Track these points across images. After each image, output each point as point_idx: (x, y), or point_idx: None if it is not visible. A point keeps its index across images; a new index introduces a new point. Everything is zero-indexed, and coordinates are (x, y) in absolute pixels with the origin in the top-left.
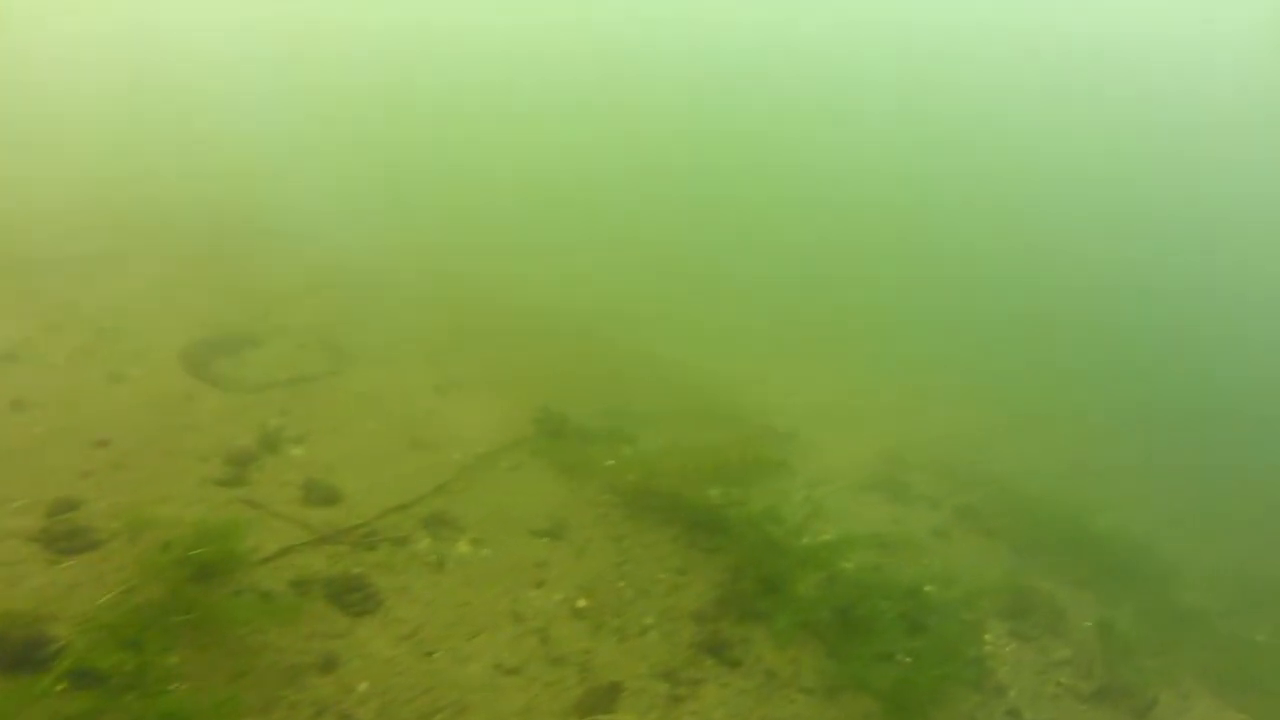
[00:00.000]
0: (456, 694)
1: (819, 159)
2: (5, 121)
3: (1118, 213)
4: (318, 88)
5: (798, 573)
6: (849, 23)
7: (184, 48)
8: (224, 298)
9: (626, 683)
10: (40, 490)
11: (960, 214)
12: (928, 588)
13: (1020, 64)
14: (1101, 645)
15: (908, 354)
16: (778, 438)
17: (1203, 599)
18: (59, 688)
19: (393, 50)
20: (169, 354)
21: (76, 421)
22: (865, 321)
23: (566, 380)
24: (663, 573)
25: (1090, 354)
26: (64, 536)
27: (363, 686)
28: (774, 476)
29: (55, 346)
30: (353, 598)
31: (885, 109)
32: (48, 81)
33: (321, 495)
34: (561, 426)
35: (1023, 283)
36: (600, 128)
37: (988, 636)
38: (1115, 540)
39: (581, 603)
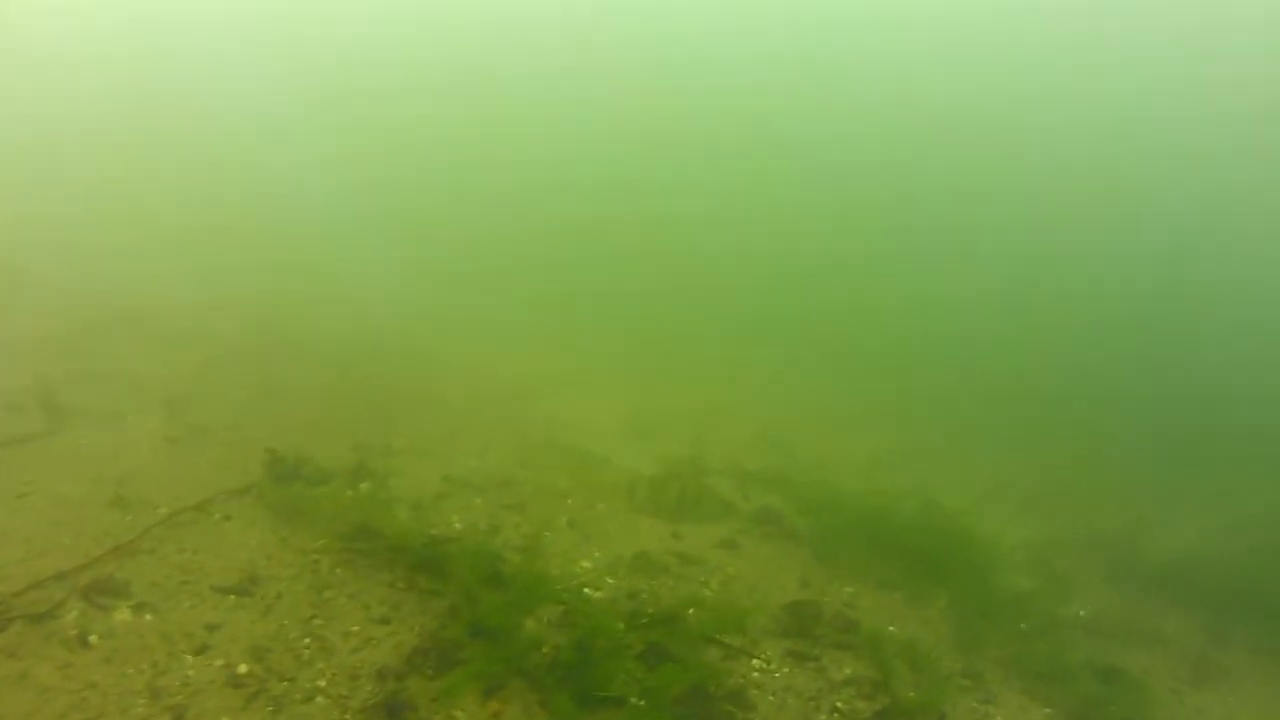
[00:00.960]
0: None
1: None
2: None
3: (903, 199)
4: None
5: (528, 610)
6: None
7: None
8: None
9: None
10: None
11: (750, 214)
12: (691, 611)
13: None
14: (897, 655)
15: (712, 359)
16: (559, 453)
17: (1020, 580)
18: None
19: None
20: None
21: None
22: (666, 328)
23: (327, 413)
24: (361, 624)
25: (901, 342)
26: None
27: None
28: (542, 499)
29: None
30: None
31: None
32: None
33: None
34: (295, 468)
35: (823, 279)
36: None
37: (756, 662)
38: (928, 529)
39: (243, 668)
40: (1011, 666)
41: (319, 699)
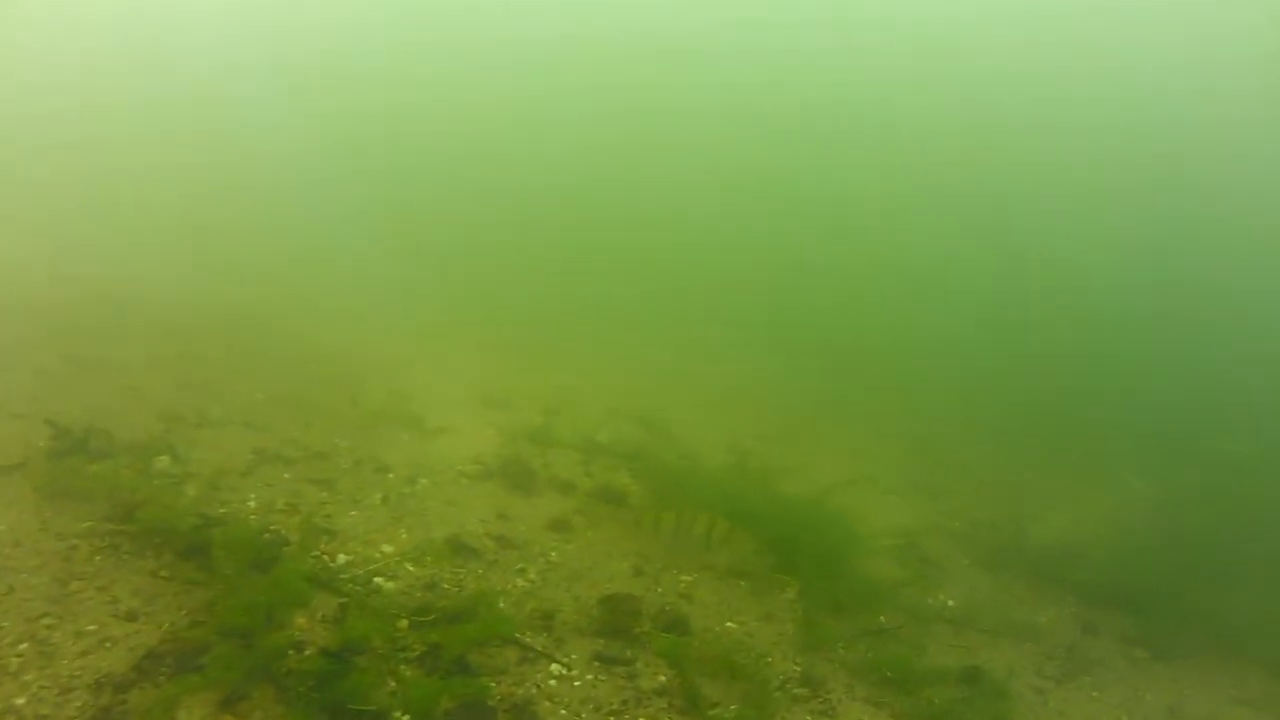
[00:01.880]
0: None
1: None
2: None
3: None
4: None
5: (302, 603)
6: None
7: None
8: None
9: None
10: None
11: (628, 183)
12: (499, 605)
13: None
14: (722, 659)
15: (580, 333)
16: (392, 425)
17: (886, 568)
18: None
19: None
20: None
21: None
22: (535, 299)
23: (144, 384)
24: (101, 622)
25: (781, 319)
26: None
27: None
28: (358, 474)
29: None
30: None
31: None
32: None
33: None
34: (81, 442)
35: (702, 253)
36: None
37: (556, 667)
38: (787, 512)
39: None
40: (859, 670)
41: None
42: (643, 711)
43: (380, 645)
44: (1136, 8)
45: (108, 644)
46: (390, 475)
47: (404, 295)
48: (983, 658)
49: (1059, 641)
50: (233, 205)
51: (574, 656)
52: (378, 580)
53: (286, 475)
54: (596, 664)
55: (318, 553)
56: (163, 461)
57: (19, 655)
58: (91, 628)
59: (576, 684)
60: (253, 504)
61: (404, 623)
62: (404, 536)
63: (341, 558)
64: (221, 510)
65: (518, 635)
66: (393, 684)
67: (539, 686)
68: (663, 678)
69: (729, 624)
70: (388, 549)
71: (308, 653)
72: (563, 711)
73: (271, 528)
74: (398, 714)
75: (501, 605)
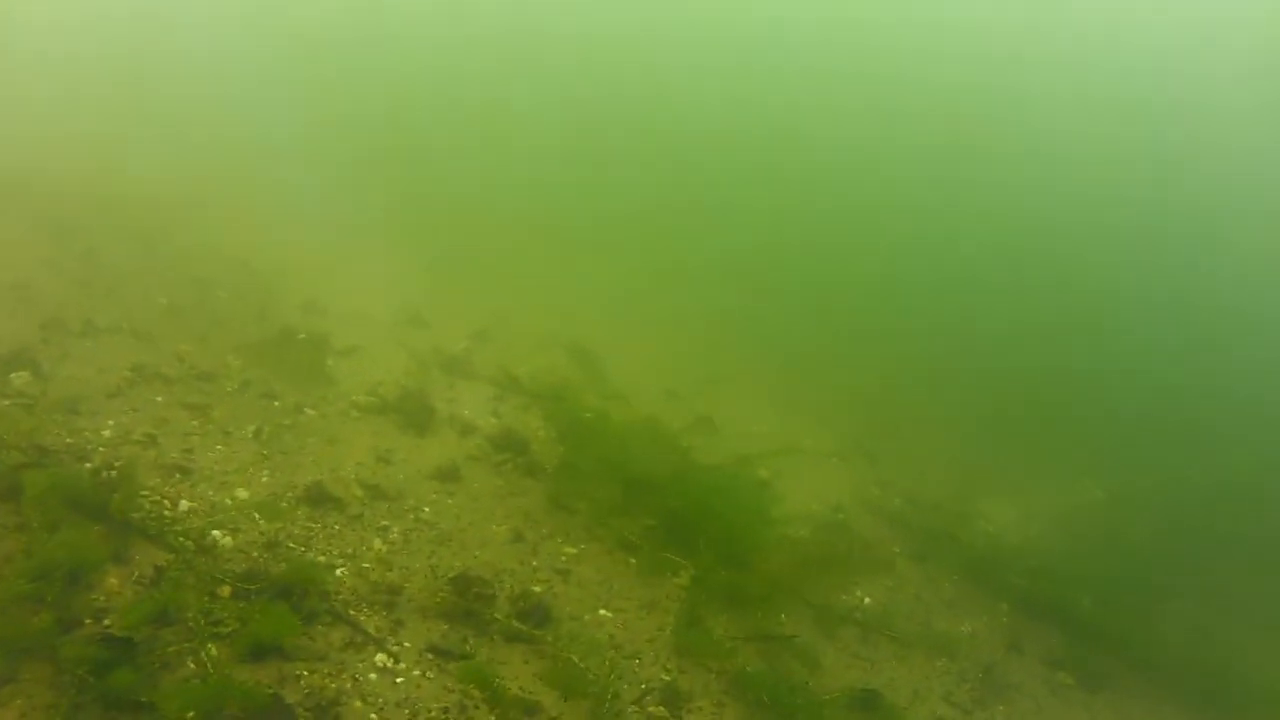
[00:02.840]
0: None
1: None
2: None
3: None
4: None
5: (120, 560)
6: None
7: None
8: None
9: None
10: None
11: (585, 101)
12: (339, 572)
13: None
14: (574, 666)
15: (526, 253)
16: (294, 345)
17: (801, 553)
18: None
19: None
20: None
21: None
22: (482, 216)
23: (27, 283)
24: None
25: (742, 263)
26: None
27: None
28: (241, 400)
29: None
30: None
31: None
32: None
33: None
34: None
35: (663, 179)
36: None
37: (382, 657)
38: (702, 479)
39: None
40: (736, 686)
41: None
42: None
43: (193, 618)
44: None
45: None
46: (276, 403)
47: (336, 196)
48: (886, 676)
49: (978, 660)
50: (152, 91)
51: (406, 645)
52: (215, 534)
53: (159, 398)
54: (429, 657)
55: (158, 497)
56: (20, 378)
57: None
58: None
59: (399, 680)
60: (107, 434)
61: (226, 590)
62: (264, 480)
63: (184, 504)
64: (68, 440)
65: (353, 614)
66: (192, 666)
67: (355, 680)
68: (500, 682)
69: (603, 611)
70: (241, 494)
71: (107, 623)
72: (372, 716)
73: (115, 464)
74: (175, 708)
75: (341, 573)
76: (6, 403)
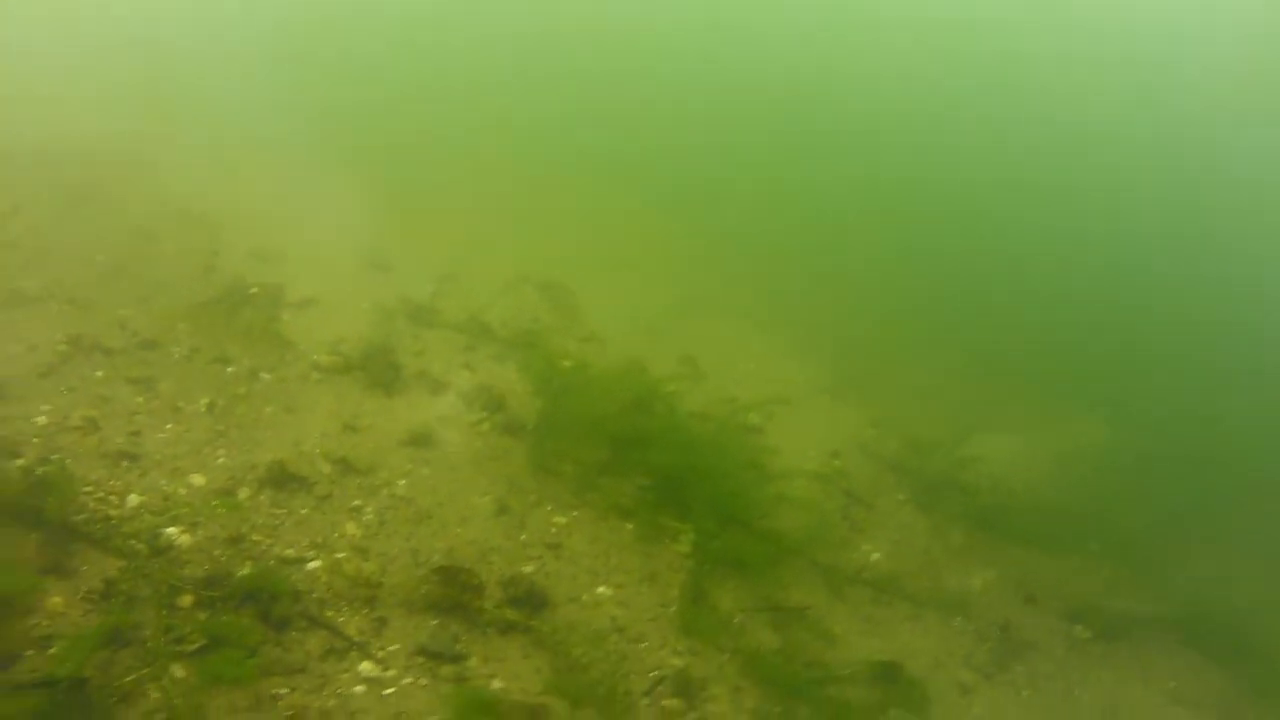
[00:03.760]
0: None
1: None
2: None
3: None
4: None
5: (59, 576)
6: None
7: None
8: None
9: None
10: None
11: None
12: (312, 565)
13: None
14: (579, 660)
15: (498, 189)
16: (248, 301)
17: (801, 514)
18: None
19: None
20: None
21: None
22: (443, 139)
23: None
24: None
25: (728, 195)
26: None
27: None
28: (190, 368)
29: None
30: None
31: None
32: None
33: None
34: None
35: (642, 108)
36: None
37: (367, 665)
38: (695, 430)
39: None
40: (751, 666)
41: None
42: None
43: (151, 636)
44: None
45: None
46: (229, 369)
47: (288, 137)
48: (902, 641)
49: (993, 618)
50: (88, 20)
51: (394, 648)
52: (170, 532)
53: (100, 373)
54: (419, 661)
55: (103, 493)
56: None
57: None
58: None
59: (388, 692)
60: (41, 420)
61: (188, 599)
62: (221, 461)
63: (133, 498)
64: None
65: (329, 616)
66: (155, 696)
67: (342, 694)
68: (500, 684)
69: (601, 589)
70: (197, 480)
71: (52, 652)
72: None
73: (51, 457)
74: None
75: (314, 567)
76: None
